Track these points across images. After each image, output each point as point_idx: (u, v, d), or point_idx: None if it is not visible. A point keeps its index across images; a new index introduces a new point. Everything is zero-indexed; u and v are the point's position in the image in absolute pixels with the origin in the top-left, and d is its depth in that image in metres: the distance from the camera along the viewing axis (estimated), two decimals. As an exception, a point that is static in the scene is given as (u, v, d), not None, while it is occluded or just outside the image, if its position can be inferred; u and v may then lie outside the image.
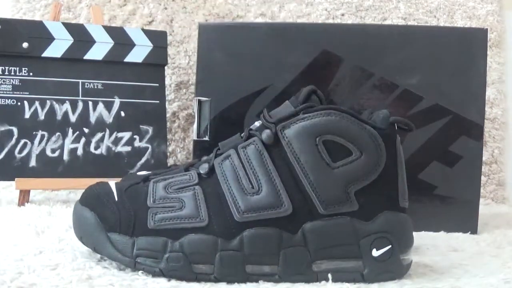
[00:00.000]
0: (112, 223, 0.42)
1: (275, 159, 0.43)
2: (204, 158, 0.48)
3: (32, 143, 0.77)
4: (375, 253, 0.42)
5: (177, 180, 0.45)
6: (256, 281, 0.41)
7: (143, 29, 0.84)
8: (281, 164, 0.42)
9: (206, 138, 0.69)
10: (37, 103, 0.77)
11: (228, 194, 0.42)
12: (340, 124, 0.42)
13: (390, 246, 0.42)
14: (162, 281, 0.40)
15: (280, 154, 0.42)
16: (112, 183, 0.46)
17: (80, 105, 0.79)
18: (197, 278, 0.41)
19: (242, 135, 0.46)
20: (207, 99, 0.69)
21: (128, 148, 0.81)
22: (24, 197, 0.76)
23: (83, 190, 0.47)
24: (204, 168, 0.45)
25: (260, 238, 0.41)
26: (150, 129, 0.82)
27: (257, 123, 0.46)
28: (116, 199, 0.44)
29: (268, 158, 0.42)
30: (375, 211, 0.42)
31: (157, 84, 0.84)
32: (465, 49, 0.67)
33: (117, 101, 0.81)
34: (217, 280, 0.41)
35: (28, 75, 0.77)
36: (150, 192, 0.44)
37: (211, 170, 0.44)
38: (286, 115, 0.43)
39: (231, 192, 0.42)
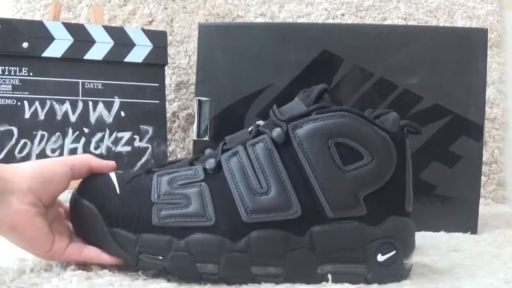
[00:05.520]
0: (114, 217, 0.41)
1: (285, 159, 0.41)
2: (208, 151, 0.47)
3: (32, 143, 0.76)
4: (380, 258, 0.41)
5: (182, 174, 0.43)
6: (260, 282, 0.41)
7: (143, 29, 0.84)
8: (291, 165, 0.41)
9: (206, 138, 0.69)
10: (37, 103, 0.77)
11: (236, 193, 0.41)
12: (353, 127, 0.41)
13: (394, 252, 0.41)
14: (162, 281, 0.40)
15: (291, 154, 0.41)
16: (112, 174, 0.44)
17: (80, 105, 0.79)
18: (202, 278, 0.41)
19: (250, 130, 0.44)
20: (207, 99, 0.69)
21: (128, 148, 0.81)
22: (24, 197, 0.76)
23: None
24: (210, 164, 0.43)
25: (267, 240, 0.40)
26: (150, 129, 0.82)
27: (260, 122, 0.45)
28: (118, 192, 0.42)
29: (278, 158, 0.41)
30: (383, 215, 0.42)
31: (157, 84, 0.83)
32: (465, 49, 0.67)
33: (117, 101, 0.81)
34: (221, 280, 0.40)
35: (28, 75, 0.77)
36: (154, 187, 0.42)
37: (218, 166, 0.43)
38: (298, 114, 0.42)
39: (239, 191, 0.41)
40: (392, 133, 0.42)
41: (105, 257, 0.42)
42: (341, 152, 0.41)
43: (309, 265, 0.41)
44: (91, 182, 0.44)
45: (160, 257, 0.40)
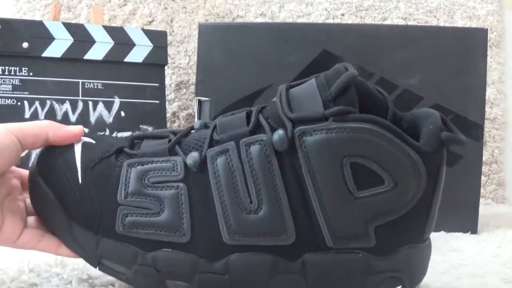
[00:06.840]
0: (74, 212, 0.35)
1: (285, 170, 0.33)
2: (197, 125, 0.39)
3: (32, 143, 0.77)
4: None
5: (157, 168, 0.35)
6: None
7: (143, 29, 0.84)
8: (292, 179, 0.33)
9: (206, 138, 0.68)
10: (37, 103, 0.77)
11: (219, 206, 0.34)
12: (378, 147, 0.32)
13: (400, 287, 0.35)
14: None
15: (293, 165, 0.33)
16: (78, 148, 0.37)
17: (80, 105, 0.79)
18: None
19: (249, 114, 0.37)
20: (207, 99, 0.69)
21: (128, 148, 0.81)
22: (24, 197, 0.76)
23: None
24: (193, 159, 0.35)
25: (249, 266, 0.34)
26: (150, 129, 0.82)
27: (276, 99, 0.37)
28: (80, 181, 0.35)
29: (277, 168, 0.33)
30: (395, 246, 0.35)
31: (157, 84, 0.83)
32: (465, 49, 0.67)
33: (117, 101, 0.81)
34: None
35: (28, 75, 0.77)
36: (122, 181, 0.35)
37: (202, 163, 0.35)
38: (311, 116, 0.33)
39: (223, 204, 0.34)
40: (427, 153, 0.34)
41: (65, 252, 0.37)
42: (356, 174, 0.33)
43: None
44: (50, 160, 0.37)
45: (123, 268, 0.35)
